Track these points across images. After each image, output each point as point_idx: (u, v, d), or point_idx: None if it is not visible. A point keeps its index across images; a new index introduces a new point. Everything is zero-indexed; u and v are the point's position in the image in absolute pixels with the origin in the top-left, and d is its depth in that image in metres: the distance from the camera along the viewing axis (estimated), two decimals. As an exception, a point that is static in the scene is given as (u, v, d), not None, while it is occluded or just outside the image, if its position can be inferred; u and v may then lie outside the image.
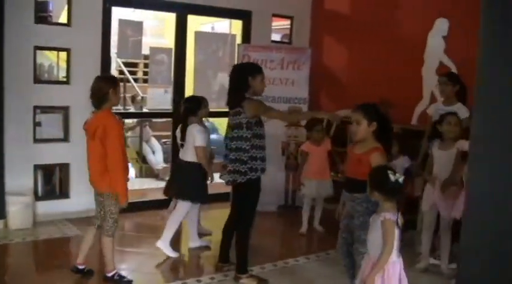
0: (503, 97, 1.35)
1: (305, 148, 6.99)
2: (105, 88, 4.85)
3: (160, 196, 8.46)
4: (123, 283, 5.14)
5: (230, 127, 5.25)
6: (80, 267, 5.23)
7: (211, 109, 8.05)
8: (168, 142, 9.95)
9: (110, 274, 5.11)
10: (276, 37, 9.16)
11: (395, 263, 3.83)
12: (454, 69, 6.66)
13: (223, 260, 5.52)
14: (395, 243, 3.79)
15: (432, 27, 7.03)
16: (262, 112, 5.10)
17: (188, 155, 5.94)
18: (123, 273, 5.23)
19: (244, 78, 5.10)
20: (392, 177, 3.79)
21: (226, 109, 8.07)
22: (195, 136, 5.84)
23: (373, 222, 3.97)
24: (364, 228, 4.17)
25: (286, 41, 9.07)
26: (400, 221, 3.85)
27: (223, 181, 5.34)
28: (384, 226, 3.79)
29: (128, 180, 4.99)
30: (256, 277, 5.26)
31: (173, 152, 7.94)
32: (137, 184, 9.45)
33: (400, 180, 3.81)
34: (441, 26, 6.95)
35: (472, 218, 1.50)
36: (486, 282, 1.70)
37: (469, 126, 5.49)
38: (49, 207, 6.79)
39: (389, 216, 3.79)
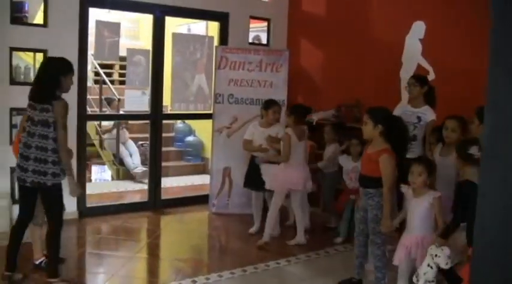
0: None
1: None
2: None
3: (137, 198, 8.49)
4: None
5: (31, 121, 4.86)
6: (37, 262, 5.40)
7: (189, 111, 8.10)
8: (145, 145, 9.90)
9: (37, 262, 5.38)
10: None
11: None
12: (431, 72, 6.74)
13: (11, 268, 5.03)
14: None
15: (410, 30, 7.08)
16: (60, 118, 4.83)
17: None
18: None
19: (56, 75, 4.89)
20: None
21: (203, 112, 8.18)
22: None
23: (416, 205, 4.61)
24: (378, 221, 4.81)
25: (257, 42, 9.06)
26: None
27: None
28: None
29: None
30: (67, 280, 5.09)
31: (151, 154, 7.91)
32: (114, 187, 9.40)
33: None
34: (418, 28, 7.01)
35: (484, 232, 1.49)
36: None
37: (433, 129, 5.58)
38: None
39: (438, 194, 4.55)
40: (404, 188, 4.75)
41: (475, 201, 2.70)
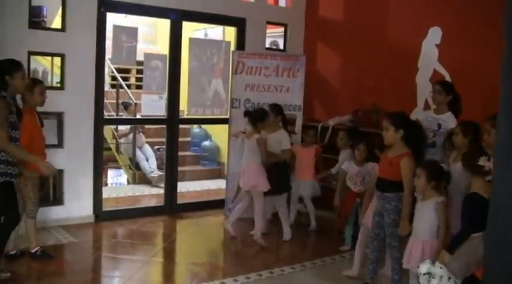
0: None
1: (292, 149, 7.16)
2: None
3: (153, 203, 8.50)
4: (45, 257, 5.71)
5: None
6: (32, 250, 5.74)
7: (206, 116, 8.11)
8: (161, 149, 9.92)
9: (33, 250, 5.73)
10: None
11: None
12: (447, 77, 6.67)
13: None
14: None
15: (426, 36, 7.05)
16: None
17: None
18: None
19: (1, 76, 4.88)
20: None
21: (220, 116, 8.19)
22: None
23: (422, 209, 4.59)
24: (396, 225, 4.82)
25: (274, 47, 9.06)
26: None
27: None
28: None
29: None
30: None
31: (167, 158, 7.92)
32: (130, 191, 9.42)
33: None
34: (434, 34, 6.98)
35: (497, 236, 1.45)
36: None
37: (449, 135, 5.44)
38: (43, 214, 6.71)
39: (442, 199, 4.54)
40: (417, 192, 4.72)
41: (485, 214, 2.67)
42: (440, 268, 4.04)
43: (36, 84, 5.73)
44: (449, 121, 5.69)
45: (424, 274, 4.06)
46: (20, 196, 5.21)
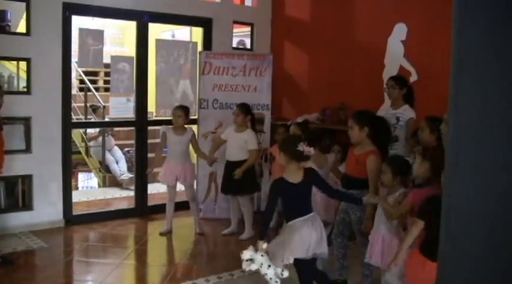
0: (480, 97, 1.37)
1: (272, 151, 7.05)
2: None
3: (124, 205, 8.48)
4: (5, 265, 5.60)
5: None
6: None
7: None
8: (131, 151, 9.89)
9: None
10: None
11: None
12: (414, 73, 6.77)
13: None
14: None
15: (392, 32, 7.13)
16: None
17: None
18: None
19: None
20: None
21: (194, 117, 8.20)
22: None
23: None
24: (361, 222, 4.84)
25: (241, 47, 9.09)
26: None
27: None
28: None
29: None
30: None
31: (137, 161, 7.91)
32: (101, 194, 9.38)
33: None
34: (400, 30, 7.06)
35: (449, 236, 1.51)
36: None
37: (417, 128, 5.48)
38: (12, 219, 6.69)
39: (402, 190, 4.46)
40: (381, 188, 4.74)
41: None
42: (262, 255, 4.20)
43: None
44: (406, 112, 5.82)
45: (247, 260, 4.21)
46: None
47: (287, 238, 4.30)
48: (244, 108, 6.87)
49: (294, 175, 4.34)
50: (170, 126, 6.94)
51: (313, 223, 4.36)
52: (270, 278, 4.25)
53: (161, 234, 6.97)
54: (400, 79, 6.07)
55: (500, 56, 1.47)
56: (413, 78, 6.73)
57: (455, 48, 1.52)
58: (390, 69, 7.13)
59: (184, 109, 6.91)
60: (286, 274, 4.29)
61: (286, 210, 4.44)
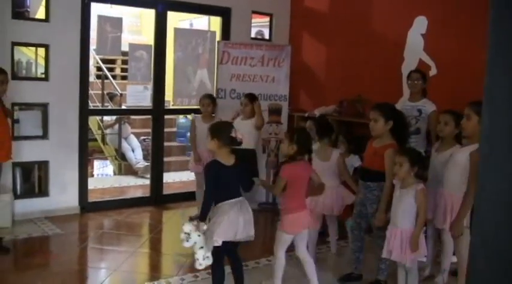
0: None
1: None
2: None
3: (139, 194, 8.49)
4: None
5: None
6: None
7: (191, 106, 8.09)
8: (147, 140, 9.90)
9: None
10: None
11: None
12: (433, 67, 6.72)
13: None
14: None
15: (412, 25, 7.06)
16: None
17: None
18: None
19: None
20: None
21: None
22: None
23: (401, 197, 4.50)
24: None
25: (259, 37, 9.04)
26: None
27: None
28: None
29: None
30: None
31: (153, 149, 7.91)
32: (116, 182, 9.40)
33: None
34: (420, 23, 6.99)
35: (483, 228, 1.47)
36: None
37: (437, 120, 5.41)
38: (28, 205, 6.71)
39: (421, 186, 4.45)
40: (395, 180, 4.67)
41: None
42: (198, 235, 4.18)
43: None
44: (427, 105, 5.95)
45: (185, 233, 4.20)
46: None
47: (216, 221, 4.31)
48: (250, 97, 6.95)
49: (226, 159, 4.38)
50: (199, 115, 7.01)
51: (241, 207, 4.40)
52: (197, 259, 4.24)
53: (191, 219, 6.92)
54: (424, 73, 6.17)
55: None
56: (432, 72, 6.68)
57: (492, 39, 1.48)
58: (409, 63, 7.07)
59: (212, 98, 7.03)
60: (209, 261, 4.27)
61: (215, 192, 4.38)
